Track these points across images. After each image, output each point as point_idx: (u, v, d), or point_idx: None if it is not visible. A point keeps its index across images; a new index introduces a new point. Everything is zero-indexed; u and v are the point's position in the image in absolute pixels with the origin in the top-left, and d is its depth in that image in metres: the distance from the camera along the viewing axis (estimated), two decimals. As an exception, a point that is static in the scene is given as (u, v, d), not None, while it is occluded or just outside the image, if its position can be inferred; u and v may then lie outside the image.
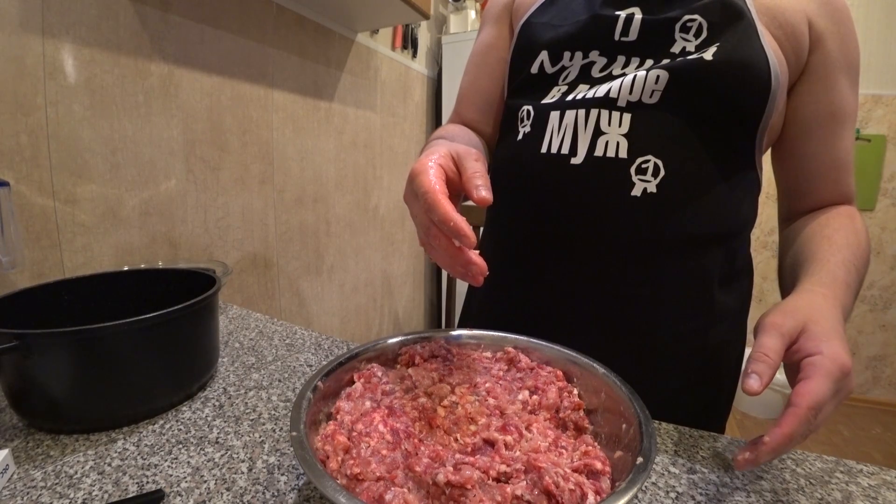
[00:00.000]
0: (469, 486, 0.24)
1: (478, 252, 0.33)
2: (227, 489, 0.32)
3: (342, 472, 0.27)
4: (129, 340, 0.39)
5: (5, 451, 0.33)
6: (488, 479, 0.26)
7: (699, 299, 0.48)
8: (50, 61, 0.68)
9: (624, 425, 0.30)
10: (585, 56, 0.49)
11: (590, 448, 0.30)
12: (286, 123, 1.17)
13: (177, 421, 0.41)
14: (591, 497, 0.25)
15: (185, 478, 0.33)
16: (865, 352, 2.05)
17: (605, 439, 0.32)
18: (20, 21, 0.64)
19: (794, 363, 0.32)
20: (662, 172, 0.44)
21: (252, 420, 0.41)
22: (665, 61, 0.45)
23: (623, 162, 0.45)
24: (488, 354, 0.41)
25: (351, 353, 0.38)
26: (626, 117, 0.45)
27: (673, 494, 0.32)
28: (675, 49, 0.45)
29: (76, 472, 0.34)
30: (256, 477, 0.34)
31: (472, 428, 0.32)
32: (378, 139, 1.61)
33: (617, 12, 0.48)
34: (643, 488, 0.32)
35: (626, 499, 0.23)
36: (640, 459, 0.25)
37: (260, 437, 0.39)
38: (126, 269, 0.70)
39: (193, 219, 0.93)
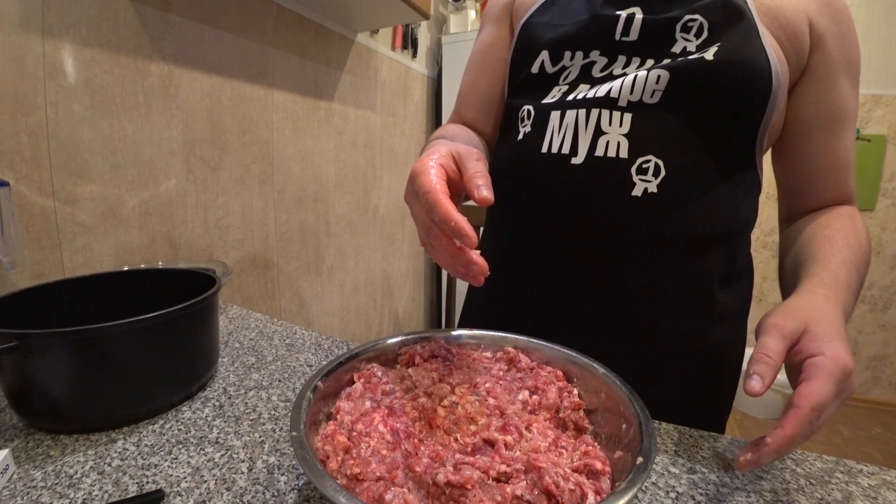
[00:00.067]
0: (469, 486, 0.24)
1: (479, 252, 0.33)
2: (227, 489, 0.32)
3: (342, 472, 0.27)
4: (129, 340, 0.39)
5: (5, 451, 0.33)
6: (488, 479, 0.26)
7: (700, 299, 0.48)
8: (50, 61, 0.68)
9: (624, 425, 0.30)
10: (586, 56, 0.49)
11: (590, 448, 0.30)
12: (286, 123, 1.17)
13: (177, 421, 0.41)
14: (591, 497, 0.25)
15: (185, 478, 0.33)
16: (865, 352, 2.05)
17: (605, 439, 0.32)
18: (20, 21, 0.64)
19: (795, 364, 0.32)
20: (663, 172, 0.44)
21: (252, 420, 0.41)
22: (666, 61, 0.45)
23: (624, 162, 0.45)
24: (488, 354, 0.41)
25: (351, 353, 0.38)
26: (627, 117, 0.45)
27: (673, 494, 0.32)
28: (676, 49, 0.45)
29: (76, 472, 0.34)
30: (256, 477, 0.34)
31: (472, 428, 0.32)
32: (378, 139, 1.61)
33: (618, 12, 0.48)
34: (643, 488, 0.32)
35: (626, 499, 0.23)
36: (640, 459, 0.25)
37: (260, 437, 0.39)
38: (126, 269, 0.70)
39: (193, 219, 0.93)
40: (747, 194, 0.48)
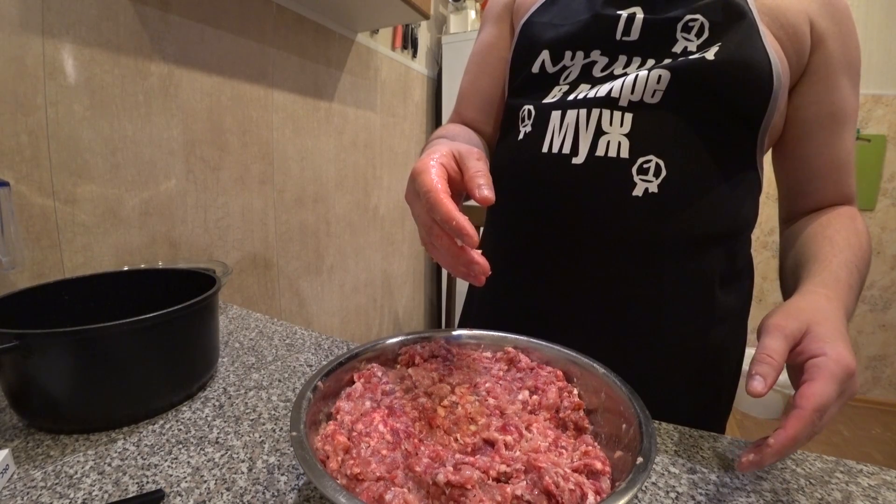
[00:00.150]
0: (469, 486, 0.24)
1: (480, 252, 0.33)
2: (227, 489, 0.32)
3: (342, 472, 0.27)
4: (129, 340, 0.39)
5: (5, 451, 0.33)
6: (488, 479, 0.26)
7: (700, 299, 0.48)
8: (50, 61, 0.68)
9: (624, 425, 0.30)
10: (587, 56, 0.49)
11: (590, 448, 0.30)
12: (286, 123, 1.17)
13: (177, 421, 0.41)
14: (591, 497, 0.25)
15: (185, 478, 0.33)
16: (865, 352, 2.05)
17: (605, 439, 0.32)
18: (20, 21, 0.64)
19: (797, 364, 0.32)
20: (664, 172, 0.44)
21: (252, 420, 0.41)
22: (667, 61, 0.45)
23: (624, 162, 0.45)
24: (488, 354, 0.41)
25: (351, 353, 0.38)
26: (628, 117, 0.45)
27: (673, 494, 0.32)
28: (677, 49, 0.45)
29: (76, 472, 0.34)
30: (256, 477, 0.34)
31: (472, 428, 0.32)
32: (378, 139, 1.61)
33: (618, 12, 0.48)
34: (643, 488, 0.32)
35: (626, 499, 0.23)
36: (640, 459, 0.25)
37: (260, 437, 0.39)
38: (126, 269, 0.70)
39: (193, 219, 0.93)
40: (748, 194, 0.48)
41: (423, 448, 0.29)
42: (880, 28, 1.85)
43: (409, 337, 0.42)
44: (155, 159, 0.85)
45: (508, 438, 0.30)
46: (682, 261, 0.46)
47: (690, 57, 0.44)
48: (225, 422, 0.41)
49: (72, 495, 0.31)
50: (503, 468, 0.27)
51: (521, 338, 0.42)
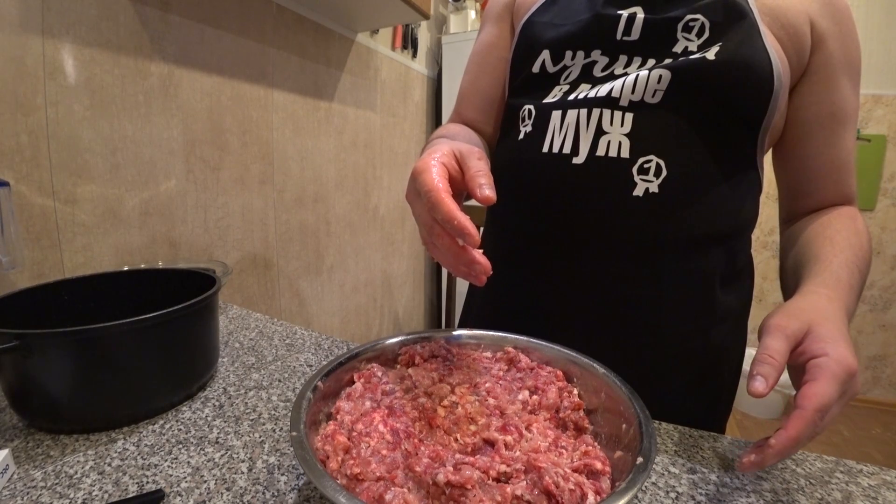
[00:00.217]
0: (469, 486, 0.24)
1: (481, 251, 0.33)
2: (227, 489, 0.32)
3: (342, 472, 0.27)
4: (129, 340, 0.39)
5: (5, 451, 0.33)
6: (488, 479, 0.26)
7: (701, 299, 0.48)
8: (50, 61, 0.68)
9: (624, 425, 0.30)
10: (587, 55, 0.49)
11: (590, 448, 0.30)
12: (286, 123, 1.17)
13: (177, 421, 0.41)
14: (591, 497, 0.25)
15: (185, 478, 0.33)
16: (865, 352, 2.05)
17: (605, 439, 0.32)
18: (20, 21, 0.64)
19: (799, 365, 0.32)
20: (664, 172, 0.44)
21: (252, 420, 0.41)
22: (667, 61, 0.45)
23: (625, 162, 0.45)
24: (488, 354, 0.41)
25: (351, 353, 0.38)
26: (629, 117, 0.45)
27: (673, 494, 0.32)
28: (678, 49, 0.45)
29: (76, 472, 0.34)
30: (256, 477, 0.34)
31: (472, 428, 0.32)
32: (378, 139, 1.61)
33: (619, 11, 0.48)
34: (643, 488, 0.32)
35: (626, 499, 0.23)
36: (640, 459, 0.25)
37: (260, 437, 0.39)
38: (126, 269, 0.70)
39: (193, 219, 0.93)
40: (748, 194, 0.48)
41: (423, 448, 0.29)
42: (880, 28, 1.85)
43: (409, 337, 0.42)
44: (155, 159, 0.85)
45: (508, 438, 0.30)
46: (682, 261, 0.46)
47: (691, 57, 0.44)
48: (225, 422, 0.41)
49: (72, 495, 0.31)
50: (503, 468, 0.27)
51: (521, 338, 0.42)
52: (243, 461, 0.35)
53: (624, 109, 0.45)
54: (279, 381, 0.49)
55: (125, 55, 0.78)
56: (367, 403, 0.33)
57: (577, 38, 0.49)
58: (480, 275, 0.32)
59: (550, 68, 0.51)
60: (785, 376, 0.34)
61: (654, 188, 0.44)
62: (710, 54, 0.43)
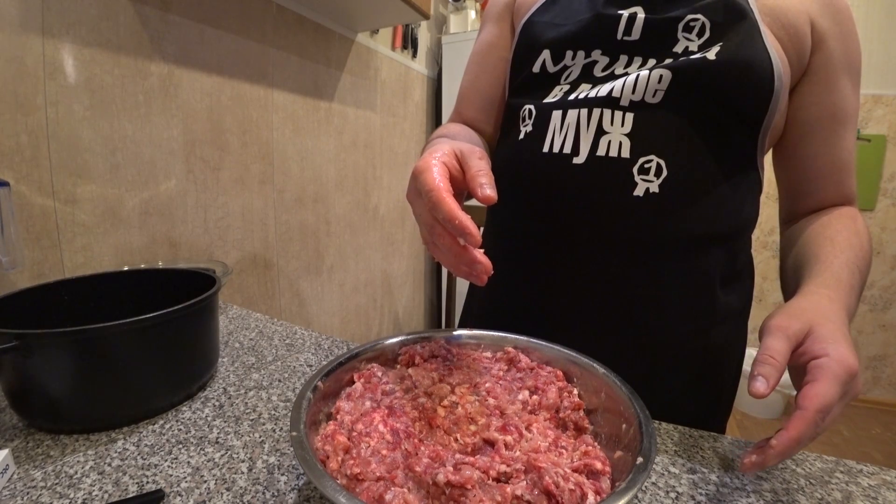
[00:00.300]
0: (469, 486, 0.24)
1: (482, 251, 0.33)
2: (227, 489, 0.32)
3: (342, 472, 0.27)
4: (129, 340, 0.39)
5: (5, 451, 0.33)
6: (488, 479, 0.26)
7: (701, 300, 0.48)
8: (50, 61, 0.68)
9: (624, 425, 0.30)
10: (588, 55, 0.49)
11: (590, 448, 0.30)
12: (286, 123, 1.17)
13: (177, 421, 0.41)
14: (591, 497, 0.25)
15: (185, 478, 0.33)
16: (865, 352, 2.05)
17: (605, 439, 0.32)
18: (20, 21, 0.64)
19: (800, 365, 0.32)
20: (665, 172, 0.44)
21: (252, 420, 0.41)
22: (668, 61, 0.45)
23: (625, 162, 0.45)
24: (488, 354, 0.41)
25: (351, 353, 0.38)
26: (629, 117, 0.45)
27: (673, 494, 0.32)
28: (678, 49, 0.45)
29: (76, 472, 0.34)
30: (256, 477, 0.34)
31: (472, 428, 0.32)
32: (378, 139, 1.61)
33: (619, 11, 0.48)
34: (643, 488, 0.32)
35: (626, 499, 0.23)
36: (640, 459, 0.25)
37: (260, 437, 0.39)
38: (126, 269, 0.70)
39: (193, 219, 0.93)
40: (748, 194, 0.48)
41: (423, 448, 0.29)
42: (880, 28, 1.85)
43: (409, 337, 0.42)
44: (155, 159, 0.85)
45: (508, 438, 0.30)
46: (682, 261, 0.46)
47: (692, 57, 0.44)
48: (225, 422, 0.41)
49: (72, 495, 0.31)
50: (503, 468, 0.27)
51: (521, 338, 0.42)
52: (243, 461, 0.35)
53: (624, 109, 0.45)
54: (279, 381, 0.49)
55: (125, 55, 0.78)
56: (367, 403, 0.33)
57: (577, 37, 0.49)
58: (482, 274, 0.32)
59: (551, 68, 0.51)
60: (785, 376, 0.34)
61: (654, 188, 0.44)
62: (711, 54, 0.43)
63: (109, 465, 0.35)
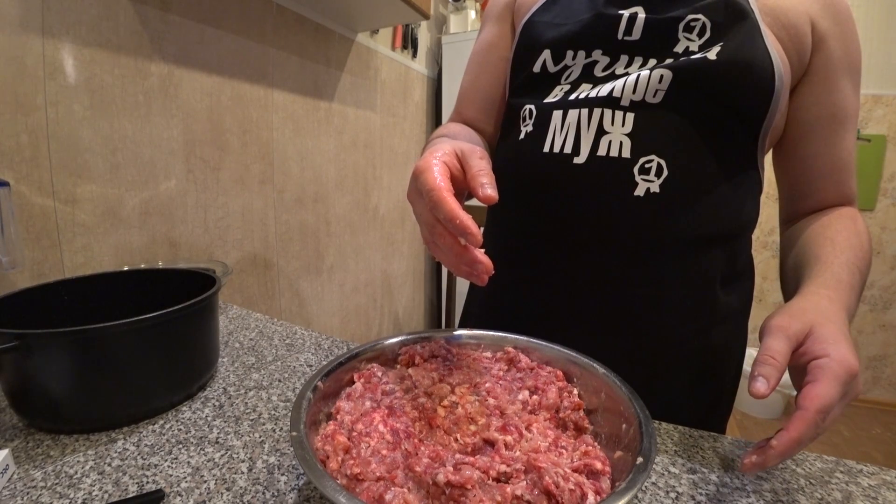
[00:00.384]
0: (469, 486, 0.24)
1: (483, 251, 0.33)
2: (227, 489, 0.32)
3: (342, 472, 0.27)
4: (129, 340, 0.39)
5: (5, 451, 0.33)
6: (488, 479, 0.26)
7: (701, 300, 0.48)
8: (50, 61, 0.68)
9: (624, 425, 0.30)
10: (588, 55, 0.49)
11: (590, 448, 0.30)
12: (286, 123, 1.17)
13: (177, 421, 0.41)
14: (591, 497, 0.25)
15: (185, 478, 0.33)
16: (865, 352, 2.05)
17: (605, 439, 0.32)
18: (20, 21, 0.64)
19: (800, 366, 0.32)
20: (665, 172, 0.44)
21: (252, 420, 0.41)
22: (668, 61, 0.45)
23: (626, 161, 0.45)
24: (488, 354, 0.41)
25: (351, 353, 0.38)
26: (630, 117, 0.45)
27: (673, 494, 0.32)
28: (679, 49, 0.45)
29: (76, 472, 0.34)
30: (256, 477, 0.34)
31: (472, 428, 0.32)
32: (378, 139, 1.61)
33: (620, 11, 0.48)
34: (643, 488, 0.32)
35: (626, 499, 0.23)
36: (640, 459, 0.25)
37: (260, 437, 0.39)
38: (126, 269, 0.70)
39: (193, 219, 0.93)
40: (749, 195, 0.48)
41: (423, 448, 0.29)
42: (880, 28, 1.85)
43: (409, 337, 0.42)
44: (155, 159, 0.85)
45: (508, 438, 0.30)
46: (683, 261, 0.46)
47: (692, 57, 0.44)
48: (225, 422, 0.41)
49: (72, 495, 0.31)
50: (503, 468, 0.27)
51: (521, 338, 0.42)
52: (243, 461, 0.35)
53: (625, 109, 0.45)
54: (279, 381, 0.49)
55: (125, 55, 0.78)
56: (367, 403, 0.33)
57: (578, 37, 0.49)
58: (482, 274, 0.32)
59: (551, 68, 0.51)
60: (785, 377, 0.34)
61: (655, 188, 0.44)
62: (712, 54, 0.43)
63: (109, 465, 0.35)
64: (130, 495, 0.31)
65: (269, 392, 0.46)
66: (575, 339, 0.42)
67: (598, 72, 0.49)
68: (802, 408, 0.28)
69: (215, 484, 0.33)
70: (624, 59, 0.48)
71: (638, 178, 0.44)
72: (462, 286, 1.61)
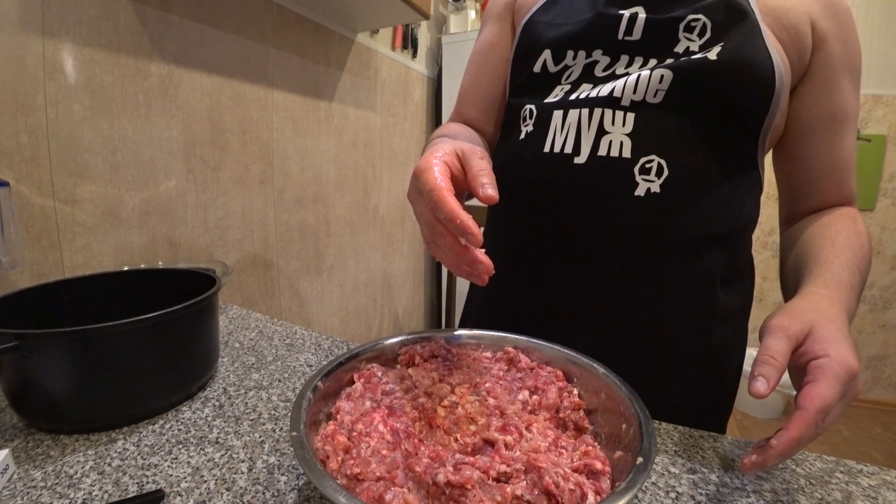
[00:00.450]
0: (469, 486, 0.24)
1: (483, 251, 0.33)
2: (227, 489, 0.32)
3: (342, 472, 0.27)
4: (129, 340, 0.39)
5: (5, 451, 0.33)
6: (488, 479, 0.26)
7: (702, 300, 0.48)
8: (50, 61, 0.68)
9: (624, 425, 0.30)
10: (589, 55, 0.49)
11: (590, 448, 0.30)
12: (286, 123, 1.17)
13: (177, 421, 0.41)
14: (591, 497, 0.25)
15: (185, 478, 0.33)
16: (865, 352, 2.05)
17: (605, 439, 0.32)
18: (20, 21, 0.64)
19: (800, 366, 0.32)
20: (666, 172, 0.44)
21: (252, 420, 0.41)
22: (669, 61, 0.45)
23: (627, 161, 0.45)
24: (488, 354, 0.41)
25: (351, 353, 0.38)
26: (630, 117, 0.45)
27: (673, 494, 0.32)
28: (679, 49, 0.45)
29: (76, 472, 0.34)
30: (256, 477, 0.34)
31: (472, 428, 0.32)
32: (378, 139, 1.61)
33: (621, 11, 0.48)
34: (643, 488, 0.32)
35: (626, 499, 0.23)
36: (640, 459, 0.25)
37: (260, 437, 0.39)
38: (126, 269, 0.70)
39: (193, 219, 0.93)
40: (749, 195, 0.48)
41: (423, 448, 0.29)
42: (880, 28, 1.85)
43: (409, 337, 0.42)
44: (155, 159, 0.85)
45: (508, 438, 0.30)
46: (683, 261, 0.46)
47: (693, 57, 0.44)
48: (225, 422, 0.41)
49: (72, 495, 0.31)
50: (503, 468, 0.27)
51: (521, 338, 0.42)
52: (243, 461, 0.35)
53: (626, 109, 0.45)
54: (279, 381, 0.49)
55: (125, 55, 0.78)
56: (367, 403, 0.33)
57: (578, 37, 0.49)
58: (483, 274, 0.32)
59: (552, 68, 0.51)
60: (785, 377, 0.34)
61: (655, 188, 0.44)
62: (712, 54, 0.43)
63: (109, 465, 0.35)
64: (130, 495, 0.31)
65: (269, 392, 0.46)
66: (575, 339, 0.42)
67: (598, 72, 0.49)
68: (802, 408, 0.28)
69: (215, 484, 0.33)
70: (624, 59, 0.48)
71: (638, 178, 0.44)
72: (462, 286, 1.61)
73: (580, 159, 0.47)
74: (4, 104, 0.64)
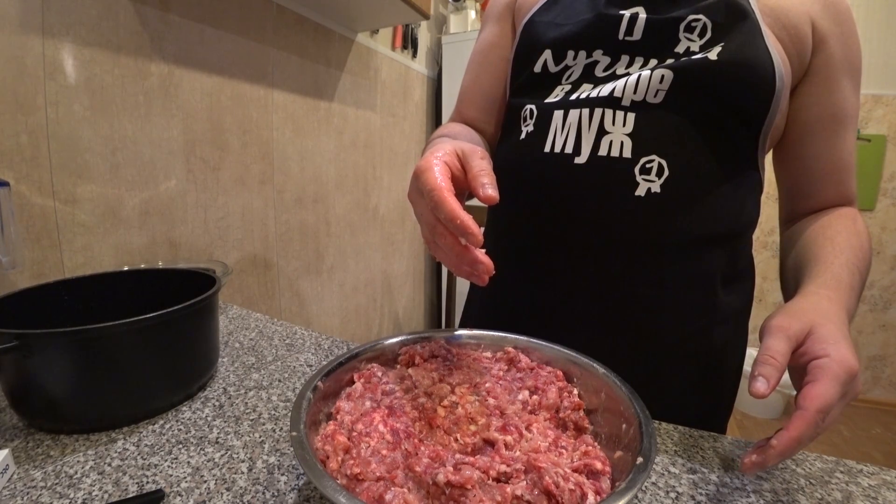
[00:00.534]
0: (469, 486, 0.24)
1: (483, 251, 0.33)
2: (227, 489, 0.32)
3: (342, 472, 0.27)
4: (130, 340, 0.39)
5: (5, 451, 0.33)
6: (488, 479, 0.26)
7: (702, 300, 0.48)
8: (50, 61, 0.68)
9: (624, 425, 0.30)
10: (589, 55, 0.49)
11: (590, 448, 0.30)
12: (286, 123, 1.17)
13: (177, 421, 0.41)
14: (591, 497, 0.25)
15: (185, 478, 0.33)
16: (865, 352, 2.05)
17: (605, 439, 0.32)
18: (20, 21, 0.64)
19: (800, 366, 0.32)
20: (666, 172, 0.44)
21: (252, 420, 0.41)
22: (669, 61, 0.45)
23: (627, 162, 0.45)
24: (488, 354, 0.41)
25: (351, 353, 0.38)
26: (631, 117, 0.45)
27: (673, 494, 0.32)
28: (680, 49, 0.45)
29: (76, 472, 0.34)
30: (256, 477, 0.34)
31: (472, 428, 0.32)
32: (378, 139, 1.61)
33: (621, 11, 0.48)
34: (643, 488, 0.32)
35: (626, 499, 0.23)
36: (640, 459, 0.25)
37: (260, 437, 0.39)
38: (126, 269, 0.70)
39: (193, 219, 0.93)
40: (749, 195, 0.48)
41: (423, 448, 0.29)
42: (880, 28, 1.85)
43: (409, 337, 0.42)
44: (155, 159, 0.85)
45: (508, 438, 0.30)
46: (684, 261, 0.46)
47: (693, 57, 0.44)
48: (225, 422, 0.41)
49: (72, 495, 0.31)
50: (503, 468, 0.27)
51: (521, 338, 0.42)
52: (243, 461, 0.35)
53: (626, 109, 0.45)
54: (279, 381, 0.49)
55: (125, 55, 0.78)
56: (367, 403, 0.33)
57: (579, 37, 0.49)
58: (483, 274, 0.32)
59: (552, 68, 0.51)
60: (785, 377, 0.34)
61: (655, 188, 0.44)
62: (713, 54, 0.43)
63: (109, 465, 0.35)
64: (130, 495, 0.31)
65: (269, 392, 0.46)
66: (575, 339, 0.42)
67: (598, 72, 0.49)
68: (802, 408, 0.28)
69: (215, 484, 0.33)
70: (625, 59, 0.48)
71: (639, 178, 0.44)
72: (462, 286, 1.61)
73: (580, 159, 0.47)
74: (4, 104, 0.64)
